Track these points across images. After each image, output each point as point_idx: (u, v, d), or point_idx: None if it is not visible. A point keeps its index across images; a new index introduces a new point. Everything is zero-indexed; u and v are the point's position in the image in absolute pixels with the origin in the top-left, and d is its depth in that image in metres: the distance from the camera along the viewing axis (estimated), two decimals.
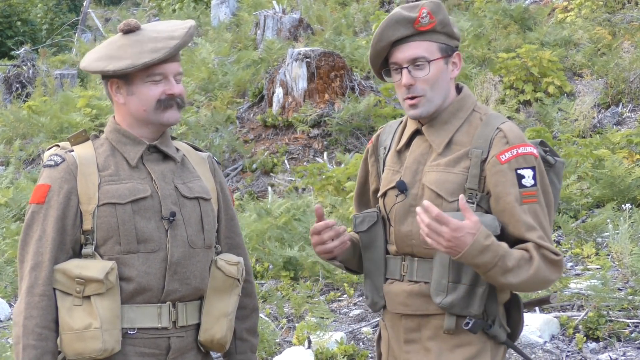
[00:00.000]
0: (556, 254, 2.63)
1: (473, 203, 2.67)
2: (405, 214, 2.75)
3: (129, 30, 2.80)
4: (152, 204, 2.75)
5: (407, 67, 2.71)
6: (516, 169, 2.65)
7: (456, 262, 2.62)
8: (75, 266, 2.68)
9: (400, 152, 2.82)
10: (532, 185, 2.66)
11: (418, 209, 2.56)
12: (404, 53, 2.72)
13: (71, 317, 2.66)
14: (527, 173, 2.66)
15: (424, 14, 2.71)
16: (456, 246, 2.53)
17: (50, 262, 2.69)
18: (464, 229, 2.52)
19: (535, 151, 2.71)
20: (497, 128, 2.71)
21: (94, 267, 2.67)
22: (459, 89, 2.82)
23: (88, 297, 2.66)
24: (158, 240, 2.73)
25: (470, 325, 2.68)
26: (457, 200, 2.65)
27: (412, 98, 2.72)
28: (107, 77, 2.80)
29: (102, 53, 2.80)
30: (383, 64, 2.81)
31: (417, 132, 2.81)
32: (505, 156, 2.66)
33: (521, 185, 2.65)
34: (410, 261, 2.76)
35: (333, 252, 2.80)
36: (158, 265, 2.73)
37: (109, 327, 2.66)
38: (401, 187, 2.75)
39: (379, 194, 2.86)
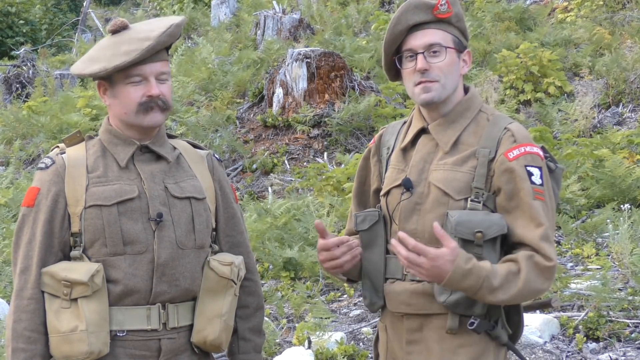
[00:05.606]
0: (550, 259, 2.60)
1: (479, 202, 2.66)
2: (410, 212, 2.74)
3: (114, 31, 2.76)
4: (139, 205, 2.72)
5: (422, 53, 2.72)
6: (525, 166, 2.65)
7: None
8: (62, 269, 2.66)
9: (405, 151, 2.82)
10: (540, 184, 2.65)
11: (393, 242, 2.56)
12: (420, 39, 2.73)
13: (58, 320, 2.65)
14: (535, 172, 2.66)
15: (443, 2, 2.73)
16: (437, 275, 2.53)
17: (38, 266, 2.68)
18: (443, 257, 2.51)
19: (541, 153, 2.71)
20: (505, 128, 2.72)
21: (80, 270, 2.65)
22: (465, 90, 2.83)
23: (75, 299, 2.64)
24: (145, 242, 2.70)
25: (475, 325, 2.67)
26: (464, 199, 2.66)
27: (426, 82, 2.71)
28: (95, 79, 2.77)
29: (89, 55, 2.78)
30: (394, 54, 2.81)
31: (422, 131, 2.80)
32: (513, 153, 2.66)
33: (532, 182, 2.65)
34: None
35: (344, 267, 2.78)
36: (145, 267, 2.70)
37: (96, 330, 2.63)
38: (407, 185, 2.74)
39: (382, 192, 2.84)
